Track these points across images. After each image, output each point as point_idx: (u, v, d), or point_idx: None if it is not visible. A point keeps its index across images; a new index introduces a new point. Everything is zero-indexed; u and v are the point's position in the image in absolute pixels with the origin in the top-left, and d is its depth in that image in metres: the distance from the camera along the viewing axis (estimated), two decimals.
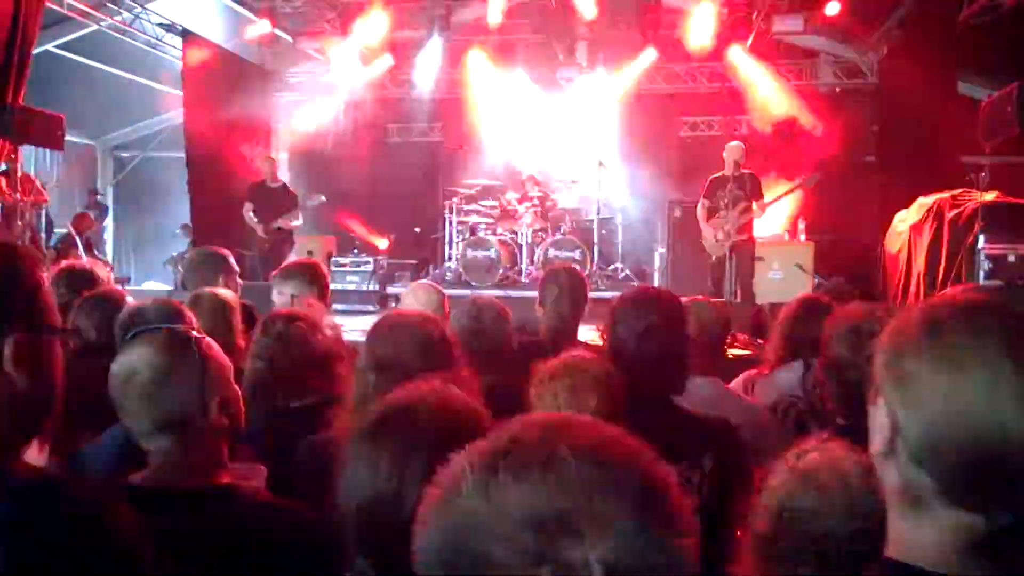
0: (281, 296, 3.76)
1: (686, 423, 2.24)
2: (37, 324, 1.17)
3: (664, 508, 0.74)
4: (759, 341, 6.25)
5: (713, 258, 8.38)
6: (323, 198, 10.54)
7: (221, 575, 1.59)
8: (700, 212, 8.36)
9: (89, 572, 1.06)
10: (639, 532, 0.71)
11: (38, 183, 9.03)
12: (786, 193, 9.15)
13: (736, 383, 3.28)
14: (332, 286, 4.29)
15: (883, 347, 1.05)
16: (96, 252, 11.97)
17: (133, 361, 1.71)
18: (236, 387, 1.85)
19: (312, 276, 3.87)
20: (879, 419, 1.03)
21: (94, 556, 1.07)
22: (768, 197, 8.44)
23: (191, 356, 1.73)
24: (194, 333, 1.80)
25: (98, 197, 13.98)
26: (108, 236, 14.76)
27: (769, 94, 11.52)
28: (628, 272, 11.37)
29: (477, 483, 0.73)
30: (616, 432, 0.80)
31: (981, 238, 7.19)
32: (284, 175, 11.31)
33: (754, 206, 8.14)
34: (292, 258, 8.86)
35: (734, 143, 8.47)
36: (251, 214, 9.25)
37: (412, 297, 3.58)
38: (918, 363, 0.99)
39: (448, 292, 3.76)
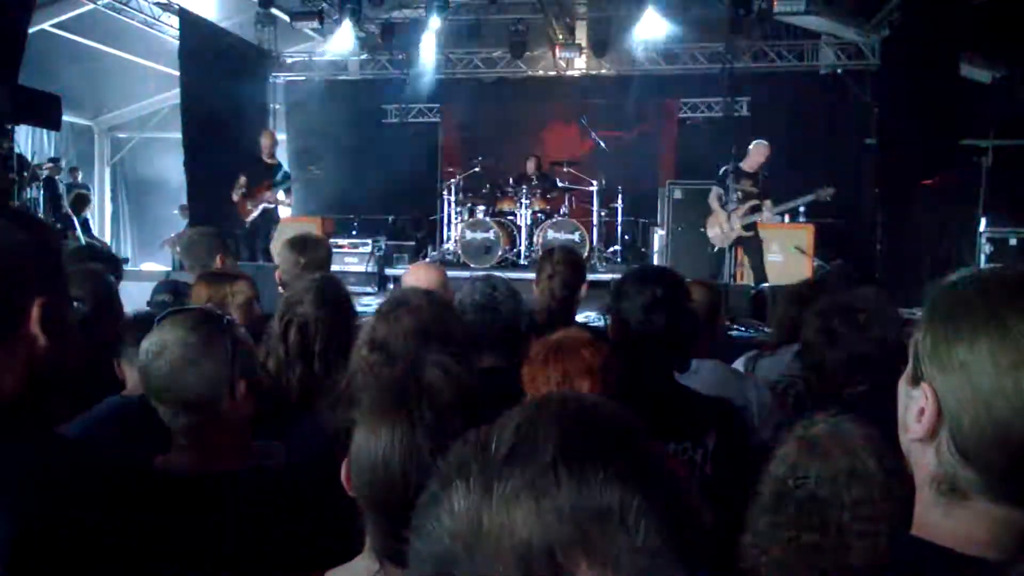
0: None
1: (689, 401, 2.23)
2: (59, 289, 1.23)
3: (682, 540, 0.66)
4: (759, 322, 6.26)
5: (715, 248, 8.27)
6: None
7: (254, 559, 1.57)
8: (712, 199, 8.17)
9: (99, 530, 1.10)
10: (648, 569, 0.63)
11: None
12: (800, 205, 8.87)
13: (738, 363, 3.29)
14: (331, 268, 4.24)
15: (929, 330, 0.98)
16: (92, 233, 11.91)
17: (164, 339, 1.71)
18: (261, 372, 1.86)
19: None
20: (920, 404, 0.97)
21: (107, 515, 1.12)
22: (779, 201, 8.21)
23: (222, 337, 1.73)
24: (226, 315, 1.81)
25: (79, 175, 13.57)
26: (106, 216, 14.69)
27: None
28: (627, 254, 11.35)
29: (468, 506, 0.66)
30: (629, 437, 0.70)
31: (983, 221, 7.17)
32: (282, 156, 11.23)
33: (764, 209, 8.00)
34: (276, 237, 8.77)
35: (763, 142, 8.14)
36: (241, 184, 9.05)
37: (413, 278, 3.55)
38: (976, 353, 0.92)
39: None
